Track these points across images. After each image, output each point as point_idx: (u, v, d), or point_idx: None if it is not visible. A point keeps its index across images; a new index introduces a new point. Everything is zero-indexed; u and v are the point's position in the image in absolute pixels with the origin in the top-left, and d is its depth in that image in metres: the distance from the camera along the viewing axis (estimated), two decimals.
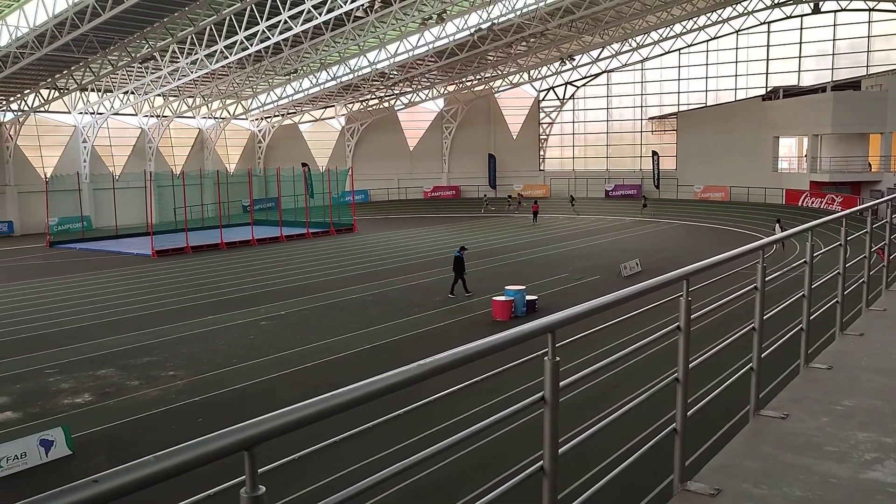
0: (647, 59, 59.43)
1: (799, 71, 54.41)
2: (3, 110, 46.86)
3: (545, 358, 2.69)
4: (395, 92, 59.45)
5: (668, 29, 54.57)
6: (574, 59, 56.54)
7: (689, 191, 56.49)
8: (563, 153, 64.64)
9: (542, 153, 64.61)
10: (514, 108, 64.57)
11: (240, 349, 17.98)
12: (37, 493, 1.40)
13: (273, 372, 15.91)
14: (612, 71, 61.15)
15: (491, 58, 52.67)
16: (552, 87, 63.44)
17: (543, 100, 64.16)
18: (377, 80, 54.48)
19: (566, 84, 62.89)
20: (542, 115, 64.32)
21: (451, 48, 46.61)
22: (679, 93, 59.23)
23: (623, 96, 61.71)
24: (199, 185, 47.25)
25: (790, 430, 4.17)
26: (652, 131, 60.73)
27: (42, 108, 47.14)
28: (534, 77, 60.89)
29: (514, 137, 64.73)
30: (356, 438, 9.97)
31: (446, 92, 61.28)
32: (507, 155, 64.17)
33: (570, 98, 63.39)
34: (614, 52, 57.92)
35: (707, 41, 57.09)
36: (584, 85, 62.66)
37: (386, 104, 62.14)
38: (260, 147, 63.85)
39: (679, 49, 58.09)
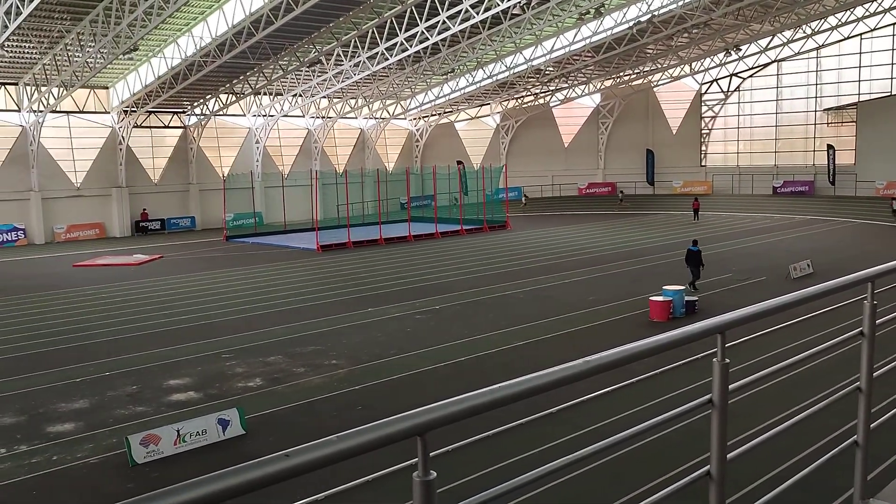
0: (822, 45, 55.35)
1: None
2: (187, 114, 51.04)
3: (714, 359, 2.60)
4: (551, 88, 59.09)
5: (849, 13, 50.54)
6: (740, 50, 53.63)
7: (870, 187, 52.12)
8: (726, 148, 61.62)
9: (703, 148, 61.93)
10: (674, 102, 62.25)
11: (397, 341, 18.57)
12: (217, 468, 1.53)
13: (427, 365, 16.31)
14: (782, 60, 57.50)
15: (650, 51, 51.14)
16: (715, 80, 60.60)
17: (706, 93, 61.43)
18: (533, 77, 54.41)
19: (731, 76, 59.87)
20: (704, 108, 61.62)
21: (608, 42, 45.71)
22: (860, 81, 54.75)
23: (795, 87, 57.85)
24: (360, 184, 49.18)
25: None
26: (827, 123, 56.56)
27: (221, 112, 50.90)
28: (696, 69, 58.39)
29: (674, 132, 62.46)
30: (518, 431, 10.10)
31: (603, 87, 60.14)
32: (665, 150, 62.04)
33: (734, 90, 60.31)
34: (785, 41, 54.37)
35: (894, 24, 52.38)
36: (750, 76, 59.39)
37: (541, 101, 61.90)
38: (417, 146, 65.58)
39: (861, 34, 53.66)
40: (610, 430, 9.98)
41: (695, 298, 20.92)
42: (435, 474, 1.77)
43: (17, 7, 28.01)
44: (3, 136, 44.06)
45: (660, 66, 55.96)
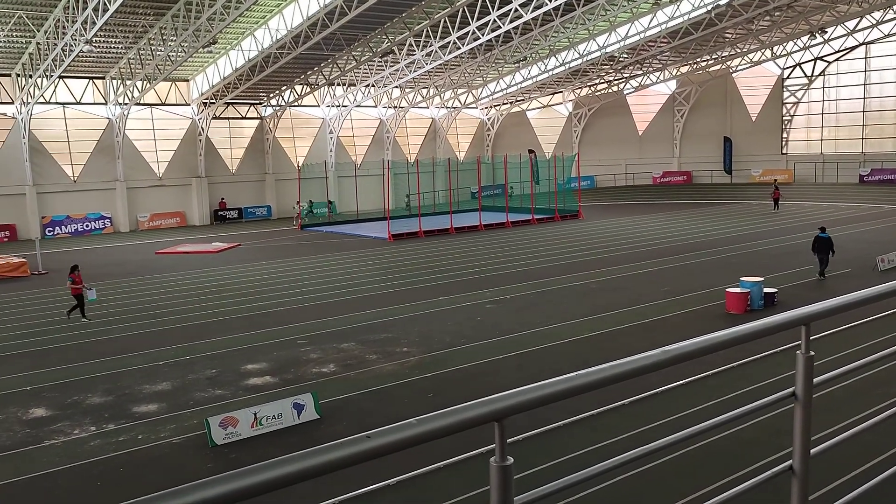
0: None
1: None
2: (264, 105, 52.22)
3: (798, 352, 2.53)
4: (625, 75, 58.03)
5: None
6: (826, 32, 51.49)
7: None
8: (809, 135, 59.27)
9: (784, 135, 59.75)
10: (754, 88, 60.19)
11: (467, 330, 18.63)
12: (293, 451, 1.57)
13: (498, 354, 16.32)
14: (871, 42, 54.91)
15: (729, 35, 49.61)
16: (798, 64, 58.33)
17: (788, 78, 59.18)
18: (606, 64, 53.53)
19: (815, 59, 57.50)
20: (786, 94, 59.38)
21: (685, 27, 44.54)
22: None
23: (885, 70, 55.14)
24: (431, 173, 49.41)
25: None
26: None
27: (296, 103, 51.87)
28: (777, 54, 56.31)
29: (753, 119, 60.44)
30: (591, 421, 10.03)
31: (679, 73, 58.67)
32: (744, 138, 60.16)
33: (819, 75, 57.91)
34: (875, 21, 51.89)
35: None
36: (836, 60, 56.93)
37: (615, 88, 60.88)
38: (488, 135, 65.45)
39: None
40: (685, 423, 9.81)
41: (774, 290, 20.29)
42: (512, 460, 1.78)
43: (105, 4, 29.12)
44: (92, 129, 46.05)
45: (739, 51, 54.21)
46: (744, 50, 53.89)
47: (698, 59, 55.01)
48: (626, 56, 51.41)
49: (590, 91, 61.44)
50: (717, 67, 58.17)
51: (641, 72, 57.04)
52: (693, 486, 9.26)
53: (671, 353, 2.07)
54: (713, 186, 58.25)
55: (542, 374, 14.12)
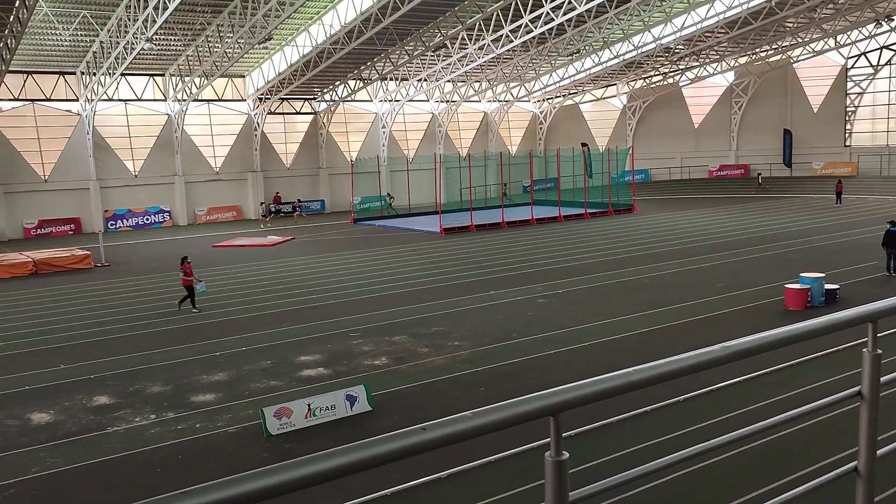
0: None
1: None
2: (317, 101, 52.81)
3: (864, 349, 2.45)
4: (681, 67, 56.95)
5: None
6: (893, 20, 49.64)
7: None
8: (874, 126, 57.24)
9: (848, 127, 57.86)
10: (816, 79, 58.38)
11: (518, 325, 18.57)
12: (346, 442, 1.58)
13: (549, 349, 16.23)
14: None
15: (790, 24, 48.24)
16: (864, 53, 56.36)
17: (852, 67, 57.26)
18: (661, 56, 52.63)
19: (881, 48, 55.49)
20: (850, 84, 57.47)
21: (744, 17, 43.46)
22: None
23: None
24: (482, 167, 49.31)
25: None
26: None
27: (349, 98, 52.32)
28: (841, 43, 54.50)
29: (815, 110, 58.67)
30: (646, 417, 9.90)
31: (737, 64, 57.30)
32: (805, 130, 58.47)
33: (885, 64, 55.90)
34: None
35: None
36: None
37: (670, 80, 59.80)
38: (541, 128, 65.02)
39: None
40: (741, 422, 9.61)
41: (836, 287, 19.70)
42: (567, 455, 1.77)
43: (164, 2, 29.80)
44: (152, 124, 47.24)
45: (800, 41, 52.65)
46: (805, 39, 52.30)
47: (757, 50, 53.64)
48: (682, 47, 50.45)
49: (644, 83, 60.49)
50: (777, 58, 56.61)
51: (698, 63, 55.90)
52: (751, 486, 9.08)
53: (731, 350, 2.03)
54: (772, 180, 56.79)
55: (594, 370, 13.99)
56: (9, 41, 32.82)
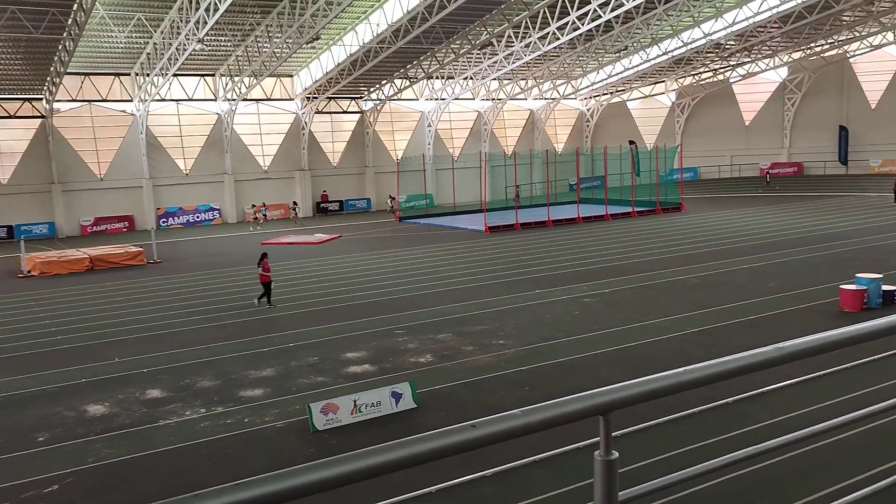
0: None
1: None
2: (364, 100, 53.19)
3: None
4: (731, 63, 55.86)
5: None
6: None
7: None
8: None
9: None
10: (874, 74, 56.65)
11: (564, 324, 18.46)
12: (392, 439, 1.59)
13: (595, 349, 16.09)
14: None
15: (847, 18, 46.93)
16: None
17: None
18: (711, 52, 51.70)
19: None
20: None
21: (798, 11, 42.41)
22: None
23: None
24: (528, 165, 49.09)
25: None
26: None
27: (395, 97, 52.58)
28: None
29: (873, 107, 56.94)
30: (696, 419, 9.76)
31: (790, 60, 55.98)
32: (862, 126, 56.80)
33: None
34: None
35: None
36: None
37: (720, 77, 58.73)
38: (588, 126, 64.47)
39: None
40: (793, 425, 9.40)
41: (894, 288, 19.13)
42: (617, 454, 1.76)
43: (215, 4, 30.34)
44: (203, 124, 48.17)
45: (857, 35, 51.16)
46: (863, 33, 50.80)
47: (812, 45, 52.33)
48: (732, 43, 49.46)
49: (693, 80, 59.50)
50: (833, 52, 55.12)
51: (749, 59, 54.77)
52: (801, 493, 8.88)
53: (786, 351, 1.99)
54: (826, 178, 55.38)
55: (640, 370, 13.83)
56: (67, 44, 33.81)
